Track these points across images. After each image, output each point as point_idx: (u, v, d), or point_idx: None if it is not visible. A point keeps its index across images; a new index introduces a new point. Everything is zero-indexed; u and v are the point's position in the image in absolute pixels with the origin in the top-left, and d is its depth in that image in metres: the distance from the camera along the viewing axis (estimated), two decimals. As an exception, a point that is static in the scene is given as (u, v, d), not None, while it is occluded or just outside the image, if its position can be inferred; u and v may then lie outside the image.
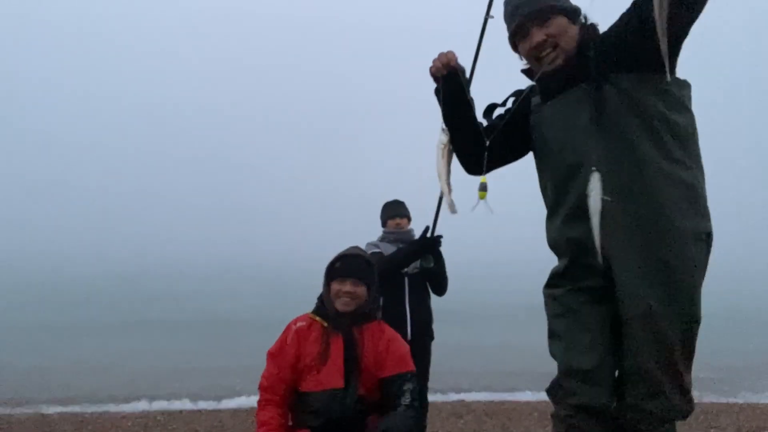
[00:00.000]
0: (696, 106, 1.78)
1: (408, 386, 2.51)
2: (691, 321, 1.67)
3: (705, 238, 1.71)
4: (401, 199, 4.02)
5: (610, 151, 1.69)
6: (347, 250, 2.74)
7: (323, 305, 2.64)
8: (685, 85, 1.75)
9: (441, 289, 3.82)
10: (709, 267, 1.74)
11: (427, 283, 3.82)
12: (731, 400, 7.35)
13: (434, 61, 1.98)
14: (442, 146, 2.09)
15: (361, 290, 2.61)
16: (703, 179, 1.76)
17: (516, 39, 1.89)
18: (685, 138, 1.71)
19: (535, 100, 1.95)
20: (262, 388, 2.54)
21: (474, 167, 2.09)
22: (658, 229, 1.67)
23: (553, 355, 1.88)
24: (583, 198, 1.68)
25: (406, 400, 2.48)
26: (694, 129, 1.75)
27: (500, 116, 2.08)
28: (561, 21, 1.80)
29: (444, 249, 3.68)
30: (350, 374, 2.48)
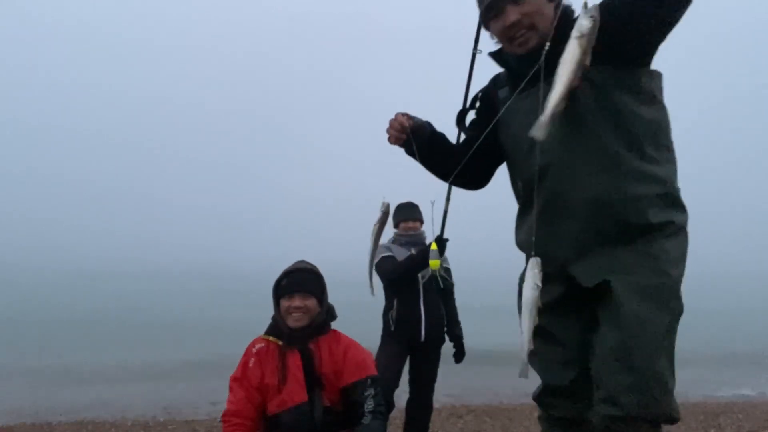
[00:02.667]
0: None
1: (369, 391, 2.49)
2: (675, 314, 1.62)
3: (680, 232, 1.68)
4: (413, 201, 3.98)
5: (580, 152, 1.65)
6: (292, 265, 2.71)
7: (276, 325, 2.62)
8: (656, 76, 1.69)
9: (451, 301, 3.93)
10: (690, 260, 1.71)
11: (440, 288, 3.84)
12: (731, 400, 7.36)
13: (388, 131, 1.92)
14: (377, 225, 2.06)
15: (311, 303, 2.57)
16: (676, 172, 1.71)
17: (489, 17, 1.78)
18: (657, 132, 1.67)
19: (503, 92, 1.88)
20: (231, 414, 2.48)
21: (479, 183, 2.09)
22: (633, 226, 1.63)
23: (532, 367, 1.83)
24: (552, 197, 1.68)
25: (369, 406, 2.45)
26: (667, 121, 1.71)
27: (472, 122, 2.03)
28: (537, 0, 1.70)
29: (455, 251, 3.66)
30: (312, 388, 2.46)
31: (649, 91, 1.66)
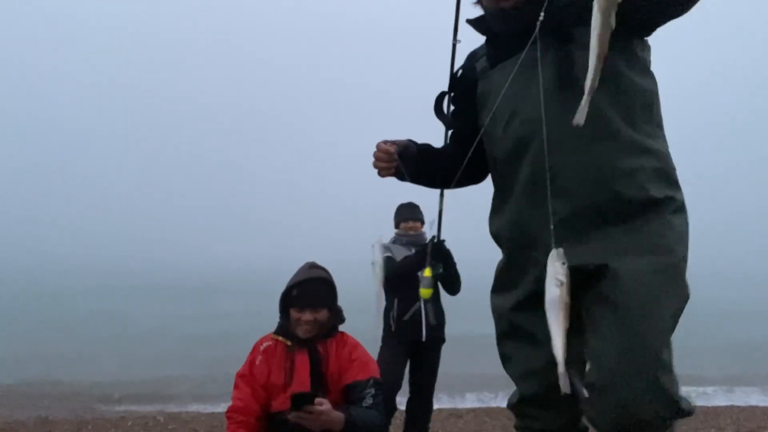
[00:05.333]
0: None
1: (369, 391, 2.48)
2: (683, 299, 1.47)
3: (681, 209, 1.53)
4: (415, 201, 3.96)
5: (567, 121, 1.40)
6: (303, 272, 2.65)
7: (284, 327, 2.61)
8: (647, 47, 1.58)
9: (454, 289, 3.81)
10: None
11: (440, 284, 3.82)
12: (731, 400, 7.35)
13: (375, 164, 1.76)
14: (378, 269, 2.01)
15: (322, 315, 2.55)
16: (667, 147, 1.58)
17: None
18: (651, 105, 1.54)
19: (481, 63, 1.70)
20: (235, 411, 2.47)
21: (482, 175, 1.88)
22: (633, 201, 1.47)
23: (507, 373, 1.71)
24: (537, 175, 1.49)
25: (367, 402, 2.44)
26: (658, 96, 1.58)
27: (454, 112, 1.85)
28: None
29: (454, 250, 3.66)
30: (317, 389, 2.45)
31: (644, 62, 1.55)
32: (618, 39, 1.39)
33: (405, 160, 1.75)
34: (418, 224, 3.86)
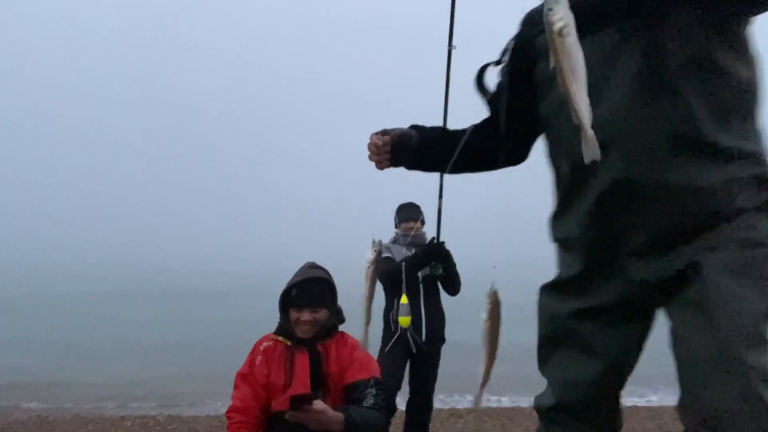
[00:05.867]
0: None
1: (371, 391, 2.47)
2: None
3: None
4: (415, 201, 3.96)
5: (657, 122, 1.25)
6: (302, 272, 2.65)
7: (284, 327, 2.61)
8: (748, 23, 1.30)
9: (454, 290, 3.81)
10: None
11: (440, 285, 3.82)
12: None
13: (370, 158, 1.67)
14: (368, 265, 1.82)
15: (321, 315, 2.55)
16: (765, 143, 1.33)
17: None
18: (749, 98, 1.29)
19: (541, 40, 1.33)
20: (236, 410, 2.47)
21: (521, 157, 1.71)
22: (721, 214, 1.27)
23: (544, 374, 1.59)
24: (616, 187, 1.30)
25: (368, 402, 2.44)
26: (757, 83, 1.30)
27: (502, 84, 1.60)
28: None
29: (454, 251, 3.65)
30: (318, 389, 2.46)
31: (744, 43, 1.28)
32: (711, 13, 1.20)
33: (400, 151, 1.65)
34: (418, 224, 3.86)
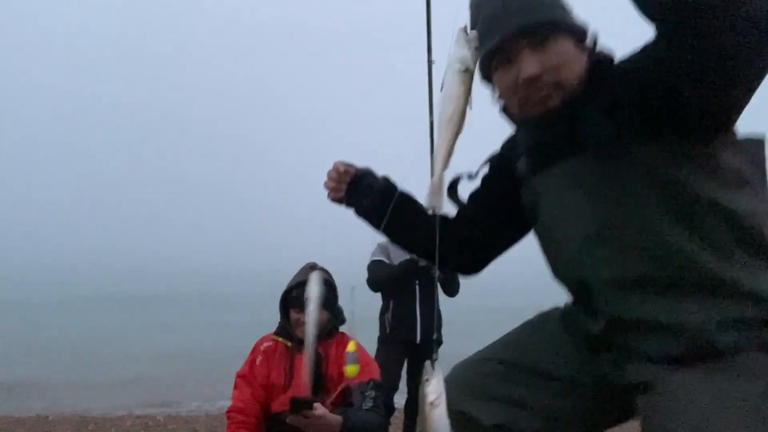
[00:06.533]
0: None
1: (370, 393, 2.47)
2: None
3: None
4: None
5: (619, 268, 1.16)
6: (303, 274, 2.62)
7: (285, 328, 2.62)
8: (746, 148, 1.14)
9: (452, 291, 3.82)
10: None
11: (439, 286, 3.83)
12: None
13: (326, 184, 1.54)
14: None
15: (322, 316, 2.51)
16: None
17: (492, 63, 1.26)
18: (748, 226, 1.10)
19: (521, 164, 1.36)
20: (236, 411, 2.47)
21: (475, 267, 1.62)
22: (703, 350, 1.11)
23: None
24: (607, 323, 1.22)
25: (367, 404, 2.44)
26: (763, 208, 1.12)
27: (473, 195, 1.54)
28: (565, 45, 1.19)
29: None
30: (317, 390, 2.45)
31: (734, 170, 1.12)
32: (684, 145, 1.09)
33: (357, 192, 1.50)
34: None
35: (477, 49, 1.16)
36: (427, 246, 1.44)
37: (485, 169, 1.51)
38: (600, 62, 1.21)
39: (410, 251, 1.73)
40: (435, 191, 1.17)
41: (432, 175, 1.19)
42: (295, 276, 2.66)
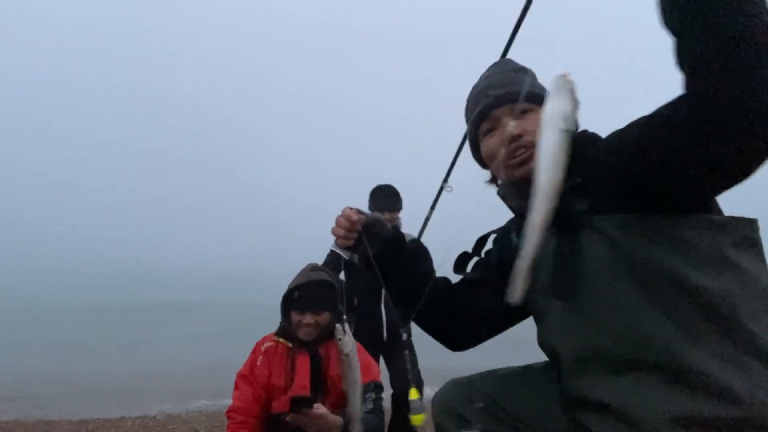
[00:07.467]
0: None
1: (370, 395, 2.49)
2: None
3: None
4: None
5: (590, 335, 1.16)
6: (304, 274, 2.64)
7: (286, 329, 2.62)
8: (729, 228, 1.10)
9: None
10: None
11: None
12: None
13: (333, 230, 1.52)
14: (346, 354, 1.80)
15: (323, 318, 2.57)
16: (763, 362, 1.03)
17: (479, 133, 1.41)
18: (726, 308, 1.05)
19: (514, 237, 1.45)
20: (236, 411, 2.48)
21: (463, 342, 1.60)
22: None
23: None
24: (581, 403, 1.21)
25: (368, 406, 2.46)
26: (751, 290, 1.07)
27: (479, 263, 1.58)
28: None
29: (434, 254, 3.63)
30: (317, 391, 2.48)
31: (714, 250, 1.08)
32: (655, 222, 1.09)
33: (372, 238, 1.49)
34: (395, 214, 3.61)
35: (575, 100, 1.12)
36: (424, 307, 1.48)
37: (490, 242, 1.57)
38: (580, 138, 1.23)
39: (400, 305, 1.64)
40: (518, 283, 1.07)
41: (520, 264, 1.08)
42: (297, 277, 2.67)
